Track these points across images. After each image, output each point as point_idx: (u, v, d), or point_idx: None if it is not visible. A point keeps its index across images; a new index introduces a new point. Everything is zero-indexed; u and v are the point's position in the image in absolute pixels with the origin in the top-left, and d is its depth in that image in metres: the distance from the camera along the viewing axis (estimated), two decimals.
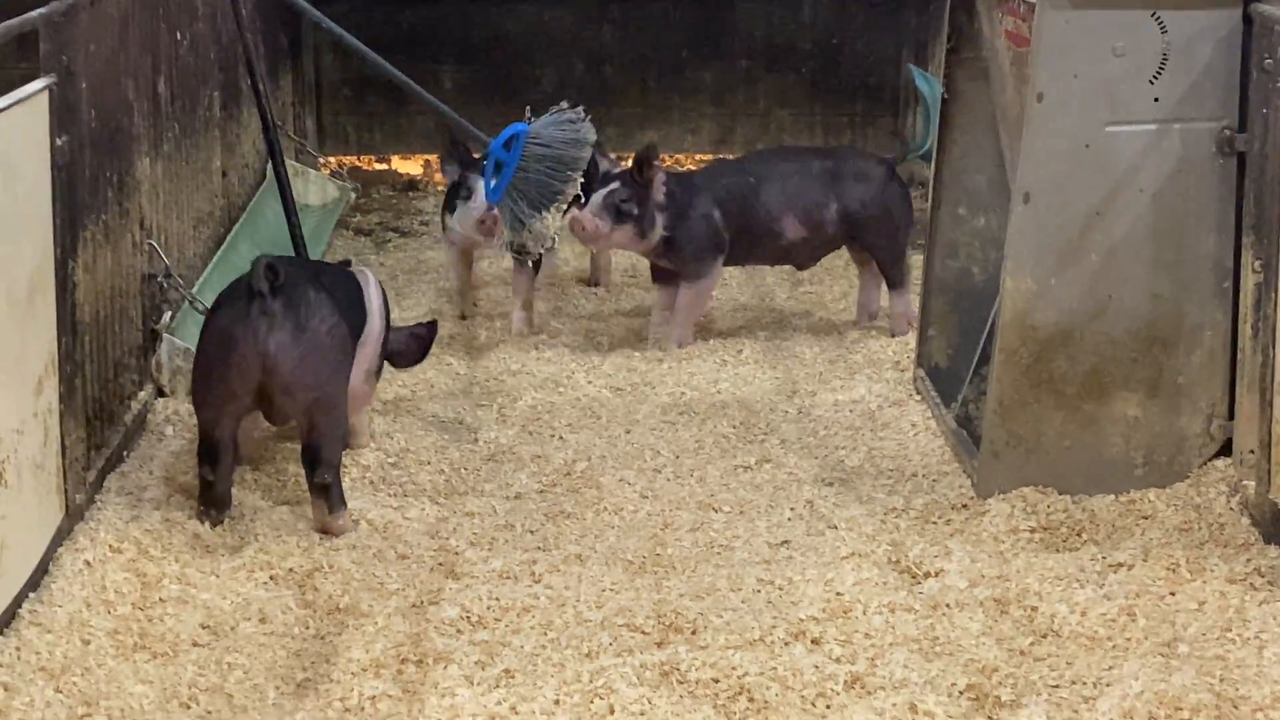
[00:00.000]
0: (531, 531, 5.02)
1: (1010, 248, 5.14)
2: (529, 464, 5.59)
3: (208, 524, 4.86)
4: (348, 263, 6.05)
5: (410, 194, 9.80)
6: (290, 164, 8.28)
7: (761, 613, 4.39)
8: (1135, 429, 5.09)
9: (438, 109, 6.30)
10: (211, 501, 4.93)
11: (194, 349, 5.71)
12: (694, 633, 4.31)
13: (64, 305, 4.59)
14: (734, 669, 4.06)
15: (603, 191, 6.59)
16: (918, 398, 6.12)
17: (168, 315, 5.85)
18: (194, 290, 5.99)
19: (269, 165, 6.72)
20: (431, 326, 5.85)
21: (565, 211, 6.14)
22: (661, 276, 6.96)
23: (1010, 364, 5.12)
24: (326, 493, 4.93)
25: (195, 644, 4.13)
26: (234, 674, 4.01)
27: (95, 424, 4.99)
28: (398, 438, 5.76)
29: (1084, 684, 4.02)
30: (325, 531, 4.93)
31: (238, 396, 4.88)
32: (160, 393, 5.75)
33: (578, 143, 5.89)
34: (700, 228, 6.79)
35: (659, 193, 6.70)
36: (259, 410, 5.04)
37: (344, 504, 4.97)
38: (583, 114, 5.95)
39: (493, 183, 5.92)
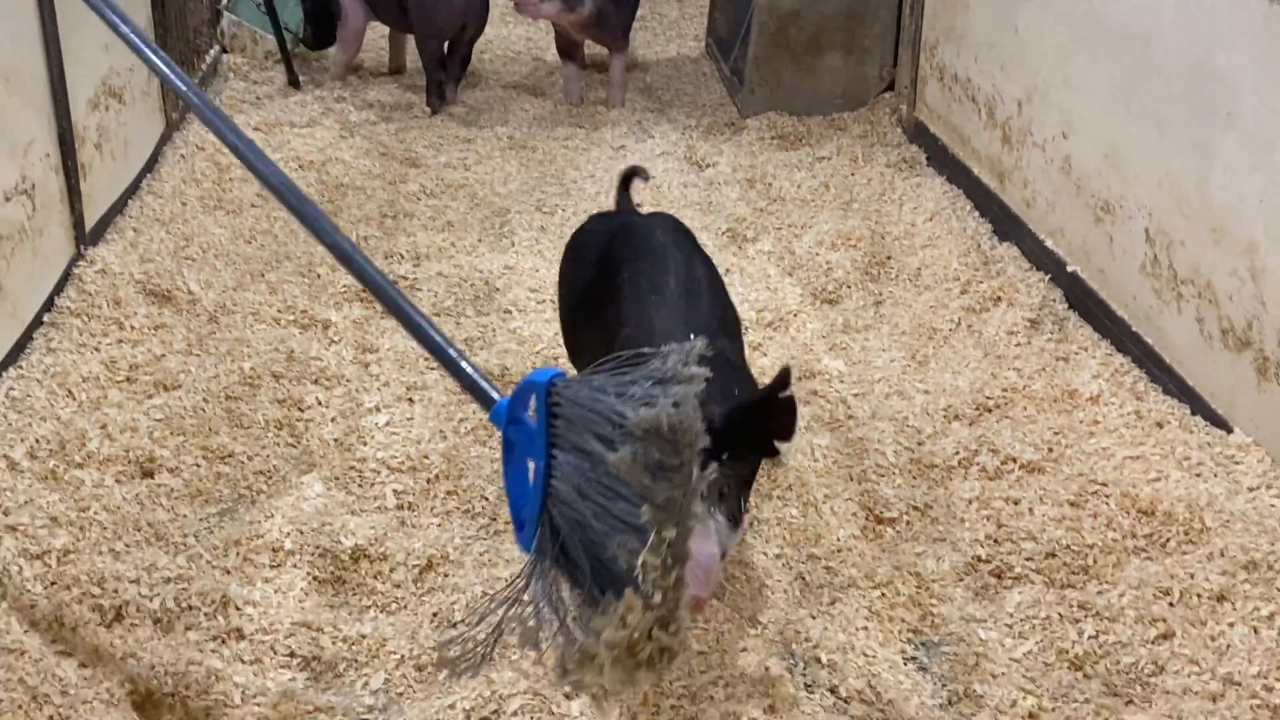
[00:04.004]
0: (467, 141, 4.97)
1: None
2: (471, 95, 5.49)
3: (439, 114, 5.18)
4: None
5: None
6: None
7: (590, 199, 4.43)
8: (837, 74, 5.14)
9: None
10: (441, 96, 5.29)
11: (244, 21, 5.56)
12: (557, 204, 4.38)
13: None
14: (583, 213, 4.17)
15: None
16: (708, 57, 6.10)
17: None
18: None
19: None
20: None
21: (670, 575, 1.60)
22: (568, 51, 5.46)
23: (763, 33, 5.13)
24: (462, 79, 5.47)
25: (253, 205, 4.17)
26: (277, 224, 4.05)
27: (182, 68, 4.84)
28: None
29: (795, 227, 4.19)
30: (454, 103, 5.34)
31: (449, 33, 5.26)
32: (224, 50, 5.59)
33: (668, 434, 1.60)
34: (628, 5, 5.36)
35: None
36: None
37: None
38: (680, 360, 1.66)
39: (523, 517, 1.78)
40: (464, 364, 1.87)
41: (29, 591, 2.32)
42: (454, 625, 1.78)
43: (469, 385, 1.87)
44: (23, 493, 2.55)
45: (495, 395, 1.83)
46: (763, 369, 3.29)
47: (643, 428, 1.62)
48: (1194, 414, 2.97)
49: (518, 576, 1.74)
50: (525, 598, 1.73)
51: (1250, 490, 2.68)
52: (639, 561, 1.59)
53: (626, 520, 1.64)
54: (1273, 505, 2.62)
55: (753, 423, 2.04)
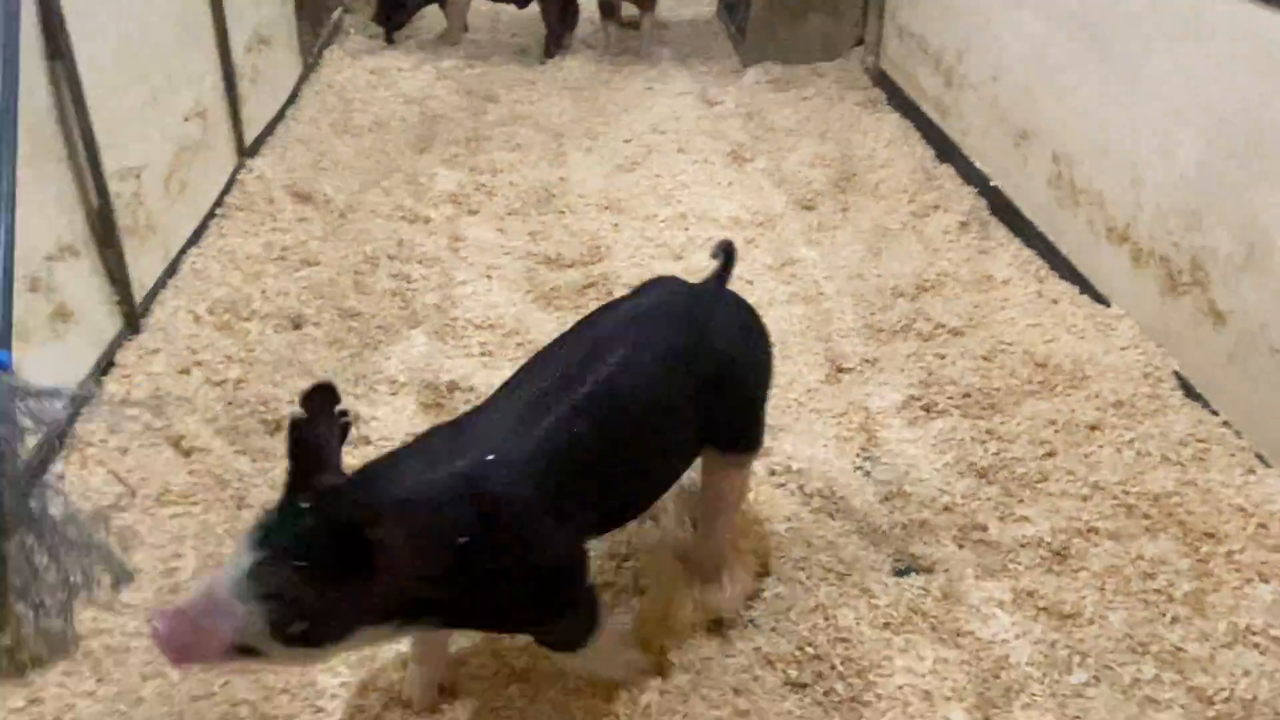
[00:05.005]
0: (531, 83, 4.87)
1: None
2: (533, 50, 5.39)
3: (548, 61, 5.00)
4: None
5: None
6: None
7: (626, 127, 4.33)
8: (819, 31, 5.01)
9: None
10: (559, 45, 5.12)
11: None
12: (600, 131, 4.32)
13: None
14: (628, 140, 4.13)
15: None
16: (718, 18, 5.94)
17: None
18: None
19: None
20: None
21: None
22: (609, 13, 5.29)
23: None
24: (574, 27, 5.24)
25: (369, 131, 4.14)
26: (389, 144, 4.05)
27: (315, 26, 4.81)
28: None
29: (783, 150, 4.14)
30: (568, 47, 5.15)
31: None
32: (346, 11, 5.51)
33: None
34: None
35: None
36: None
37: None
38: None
39: None
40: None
41: (212, 408, 2.43)
42: None
43: None
44: (205, 338, 2.65)
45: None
46: (753, 260, 3.32)
47: None
48: (1082, 293, 3.00)
49: None
50: None
51: (1121, 349, 2.73)
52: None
53: None
54: (1137, 360, 2.67)
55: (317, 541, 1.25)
